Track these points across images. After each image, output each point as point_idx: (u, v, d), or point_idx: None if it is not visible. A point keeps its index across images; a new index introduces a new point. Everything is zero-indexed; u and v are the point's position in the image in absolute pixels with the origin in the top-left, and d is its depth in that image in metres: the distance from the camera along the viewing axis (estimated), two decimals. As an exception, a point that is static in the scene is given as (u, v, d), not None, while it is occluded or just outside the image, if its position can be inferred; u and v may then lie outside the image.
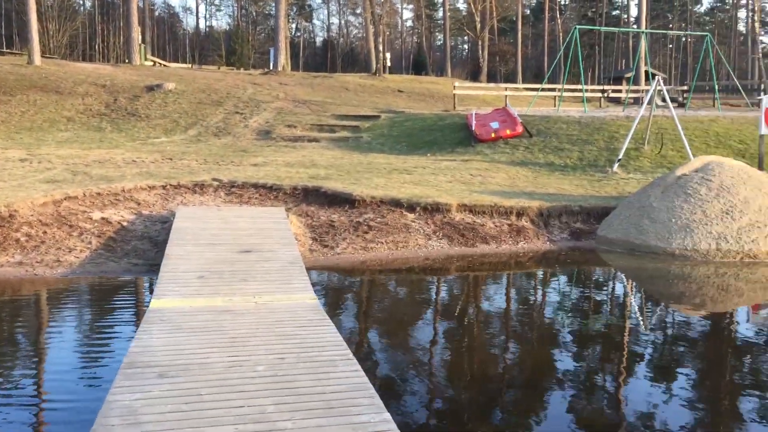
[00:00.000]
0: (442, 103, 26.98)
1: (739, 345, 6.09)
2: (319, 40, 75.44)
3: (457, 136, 17.14)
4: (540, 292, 7.84)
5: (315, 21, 78.50)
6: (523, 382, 5.12)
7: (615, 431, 4.34)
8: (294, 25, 67.97)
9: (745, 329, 6.60)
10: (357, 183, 11.01)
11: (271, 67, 30.18)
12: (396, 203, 9.97)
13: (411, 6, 69.29)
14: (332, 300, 7.11)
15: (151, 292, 6.29)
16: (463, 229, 9.57)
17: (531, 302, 7.40)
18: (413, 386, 4.89)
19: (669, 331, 6.37)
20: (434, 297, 7.58)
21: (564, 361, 5.50)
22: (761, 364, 5.52)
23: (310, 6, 71.58)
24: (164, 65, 33.12)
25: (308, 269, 6.93)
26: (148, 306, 5.47)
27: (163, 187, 10.29)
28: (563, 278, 8.46)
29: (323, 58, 65.47)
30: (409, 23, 75.60)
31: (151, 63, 32.02)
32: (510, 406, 4.71)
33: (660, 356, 5.70)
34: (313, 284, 6.38)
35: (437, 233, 9.43)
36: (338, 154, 15.50)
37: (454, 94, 23.27)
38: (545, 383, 5.03)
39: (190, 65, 42.95)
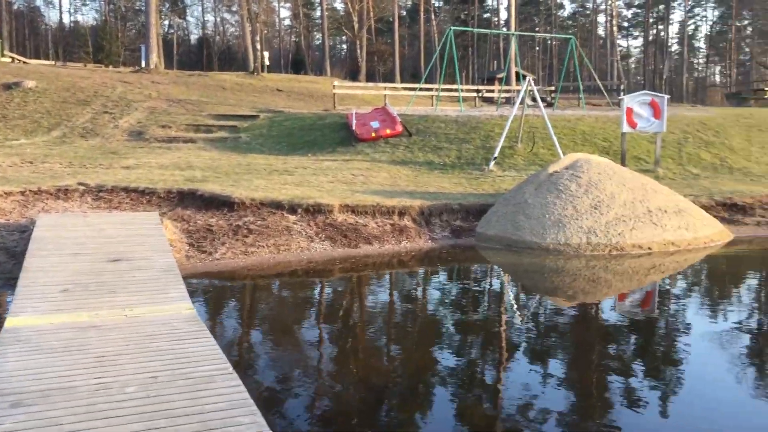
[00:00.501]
0: (322, 102, 26.80)
1: (607, 332, 6.37)
2: (193, 37, 73.04)
3: (338, 135, 17.06)
4: (422, 291, 7.88)
5: (189, 18, 76.08)
6: (409, 379, 5.10)
7: (494, 420, 4.47)
8: (167, 22, 65.41)
9: (612, 317, 6.92)
10: (236, 185, 10.66)
11: (143, 65, 28.79)
12: (277, 205, 9.73)
13: (288, 5, 68.68)
14: (211, 309, 6.80)
15: (7, 309, 5.73)
16: (345, 230, 9.48)
17: (414, 301, 7.41)
18: (298, 395, 4.73)
19: (544, 322, 6.56)
20: (318, 300, 7.43)
21: (447, 356, 5.57)
22: (627, 349, 5.87)
23: (183, 2, 69.14)
24: (24, 62, 30.81)
25: (185, 277, 6.57)
26: (1, 325, 4.97)
27: (22, 193, 9.50)
28: (445, 276, 8.56)
29: (198, 56, 63.41)
30: (287, 22, 74.88)
31: (9, 59, 29.71)
32: (397, 405, 4.69)
33: (536, 346, 5.88)
34: (191, 293, 6.04)
35: (320, 235, 9.28)
36: (216, 155, 14.99)
37: (333, 94, 23.16)
38: (430, 378, 5.06)
39: (53, 62, 40.29)
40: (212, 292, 7.48)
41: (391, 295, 7.72)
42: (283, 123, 18.66)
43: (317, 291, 7.76)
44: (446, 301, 7.32)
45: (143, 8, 39.34)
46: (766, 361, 5.55)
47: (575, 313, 6.95)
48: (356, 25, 46.18)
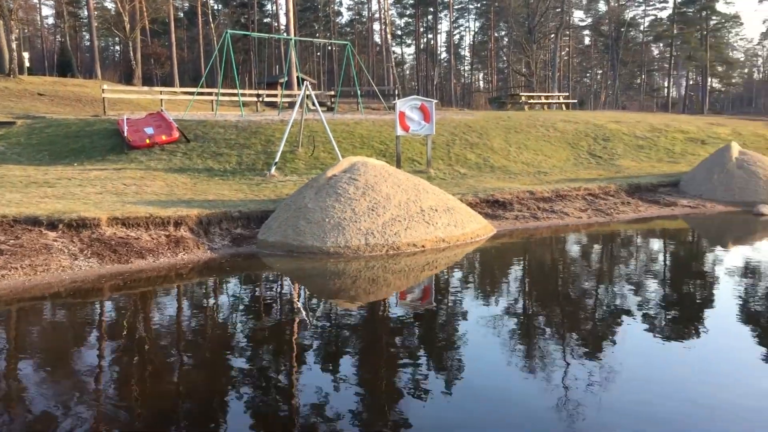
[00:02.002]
0: (92, 107, 24.92)
1: (392, 328, 6.58)
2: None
3: (109, 143, 15.91)
4: (202, 304, 7.53)
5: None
6: (201, 393, 4.86)
7: (290, 423, 4.46)
8: None
9: (395, 314, 7.16)
10: (-18, 201, 9.45)
11: None
12: (33, 221, 8.78)
13: (51, 2, 62.90)
14: (-51, 345, 5.90)
15: None
16: (115, 244, 8.81)
17: (193, 315, 7.06)
18: (80, 423, 4.25)
19: (331, 325, 6.60)
20: (85, 322, 6.78)
21: (236, 366, 5.41)
22: (411, 342, 6.14)
23: None
24: None
25: None
26: None
27: None
28: (226, 287, 8.28)
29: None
30: (50, 20, 68.54)
31: None
32: (190, 420, 4.47)
33: (325, 348, 5.90)
34: None
35: (85, 252, 8.52)
36: (-41, 167, 13.22)
37: (103, 98, 21.63)
38: (224, 389, 4.90)
39: None
40: (-48, 326, 6.51)
41: (166, 310, 7.28)
42: (44, 130, 16.99)
43: (83, 314, 7.09)
44: (228, 312, 7.08)
45: None
46: (534, 341, 6.05)
47: (360, 313, 7.08)
48: (128, 26, 43.49)
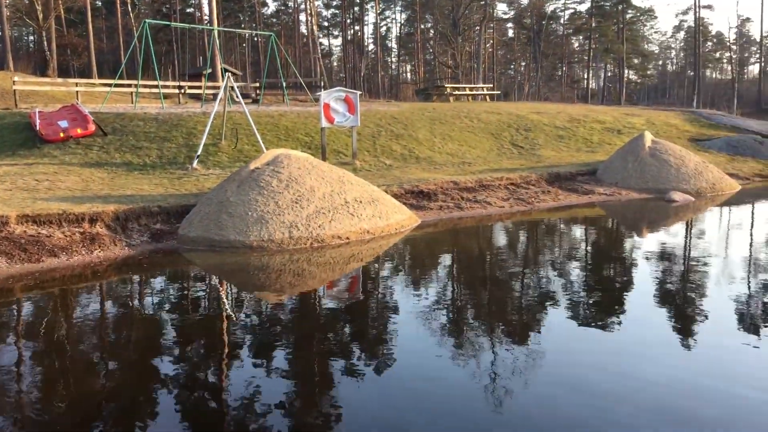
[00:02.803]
0: (2, 100, 23.78)
1: (320, 320, 6.57)
2: None
3: (20, 137, 15.21)
4: (120, 301, 7.30)
5: None
6: (122, 394, 4.72)
7: (221, 419, 4.41)
8: None
9: (323, 306, 7.14)
10: None
11: None
12: (-66, 221, 8.31)
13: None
14: None
15: None
16: (25, 243, 8.44)
17: (110, 313, 6.84)
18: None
19: (258, 319, 6.53)
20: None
21: (164, 365, 5.29)
22: (341, 333, 6.17)
23: None
24: None
25: None
26: None
27: None
28: (144, 283, 8.06)
29: None
30: (-47, 7, 64.71)
31: None
32: (116, 421, 4.36)
33: (253, 342, 5.85)
34: None
35: (-8, 252, 8.12)
36: None
37: (14, 90, 20.68)
38: (147, 390, 4.79)
39: None
40: None
41: (82, 310, 7.03)
42: (-53, 124, 16.08)
43: (-10, 316, 6.76)
44: (148, 310, 6.89)
45: None
46: (462, 328, 6.15)
47: (287, 307, 7.02)
48: (41, 15, 41.55)
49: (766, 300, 6.98)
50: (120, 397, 4.77)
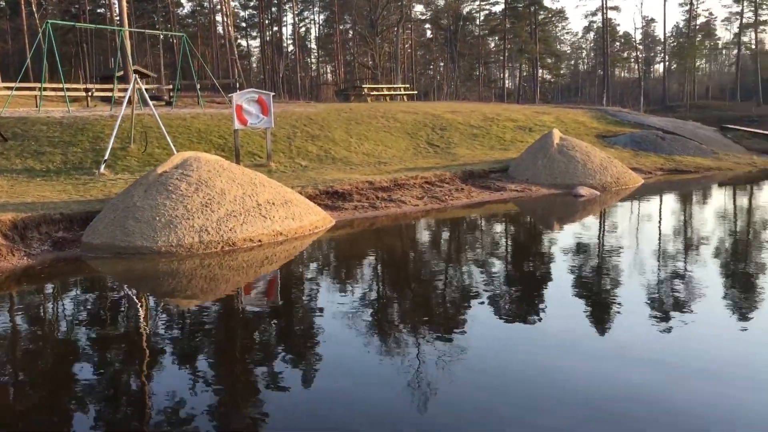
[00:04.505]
0: None
1: (239, 323, 6.53)
2: None
3: None
4: (19, 314, 6.98)
5: None
6: (36, 412, 4.53)
7: (143, 428, 4.33)
8: None
9: (239, 310, 7.06)
10: None
11: None
12: None
13: None
14: None
15: None
16: None
17: (8, 326, 6.52)
18: None
19: (172, 326, 6.39)
20: None
21: (74, 378, 5.10)
22: (262, 337, 6.16)
23: None
24: None
25: None
26: None
27: None
28: (48, 295, 7.73)
29: None
30: None
31: None
32: None
33: (171, 350, 5.73)
34: None
35: None
36: None
37: None
38: (63, 404, 4.65)
39: None
40: None
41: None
42: None
43: None
44: (51, 321, 6.61)
45: None
46: (381, 326, 6.20)
47: (202, 312, 6.89)
48: (-65, 14, 39.16)
49: (673, 287, 7.36)
50: (34, 414, 4.55)
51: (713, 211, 12.87)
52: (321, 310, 6.86)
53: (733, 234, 10.61)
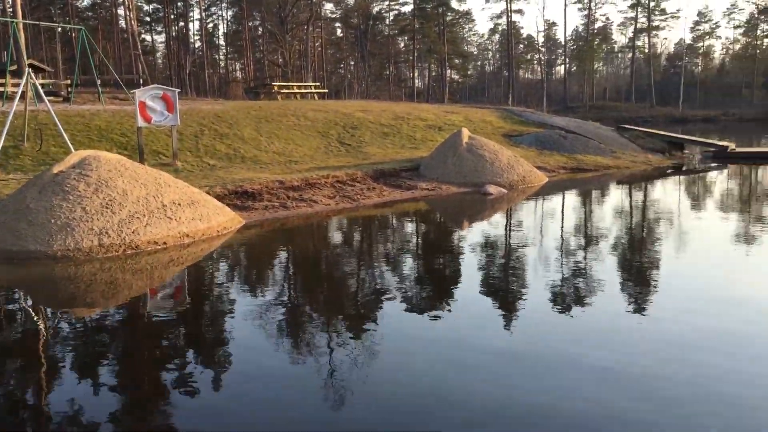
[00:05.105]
0: None
1: (144, 328, 6.29)
2: None
3: None
4: None
5: None
6: None
7: None
8: None
9: (144, 314, 6.77)
10: None
11: None
12: None
13: None
14: None
15: None
16: None
17: None
18: None
19: (72, 333, 6.06)
20: None
21: None
22: (167, 340, 5.97)
23: None
24: None
25: None
26: None
27: None
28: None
29: None
30: None
31: None
32: None
33: (70, 358, 5.47)
34: None
35: None
36: None
37: None
38: None
39: None
40: None
41: None
42: None
43: None
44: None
45: None
46: (293, 327, 6.08)
47: (105, 318, 6.54)
48: None
49: (577, 281, 7.61)
50: None
51: (611, 207, 13.45)
52: (230, 312, 6.70)
53: (629, 229, 11.12)
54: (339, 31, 76.45)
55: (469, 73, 79.03)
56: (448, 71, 66.57)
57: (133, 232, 9.01)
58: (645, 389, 4.67)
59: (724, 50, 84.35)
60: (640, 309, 6.59)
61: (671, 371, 4.97)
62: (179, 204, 9.91)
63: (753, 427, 4.19)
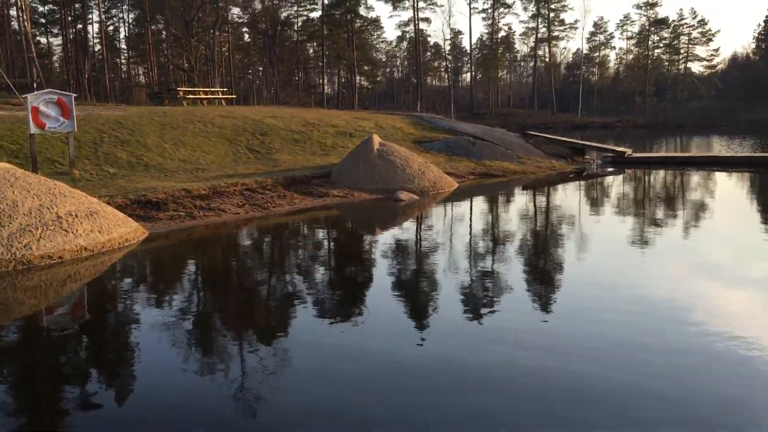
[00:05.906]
0: None
1: (40, 347, 5.96)
2: None
3: None
4: None
5: None
6: None
7: None
8: None
9: (40, 333, 6.38)
10: None
11: None
12: None
13: None
14: None
15: None
16: None
17: None
18: None
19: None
20: None
21: None
22: (67, 358, 5.69)
23: None
24: None
25: None
26: None
27: None
28: None
29: None
30: None
31: None
32: None
33: None
34: None
35: None
36: None
37: None
38: None
39: None
40: None
41: None
42: None
43: None
44: None
45: None
46: (200, 339, 5.83)
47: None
48: None
49: (485, 283, 7.71)
50: None
51: (517, 211, 13.79)
52: (134, 326, 6.40)
53: (534, 232, 11.42)
54: (247, 36, 75.27)
55: (378, 79, 79.51)
56: (358, 78, 66.77)
57: (24, 247, 8.44)
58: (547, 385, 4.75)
59: (619, 60, 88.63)
60: (544, 308, 6.76)
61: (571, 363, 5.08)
62: (76, 215, 9.38)
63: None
